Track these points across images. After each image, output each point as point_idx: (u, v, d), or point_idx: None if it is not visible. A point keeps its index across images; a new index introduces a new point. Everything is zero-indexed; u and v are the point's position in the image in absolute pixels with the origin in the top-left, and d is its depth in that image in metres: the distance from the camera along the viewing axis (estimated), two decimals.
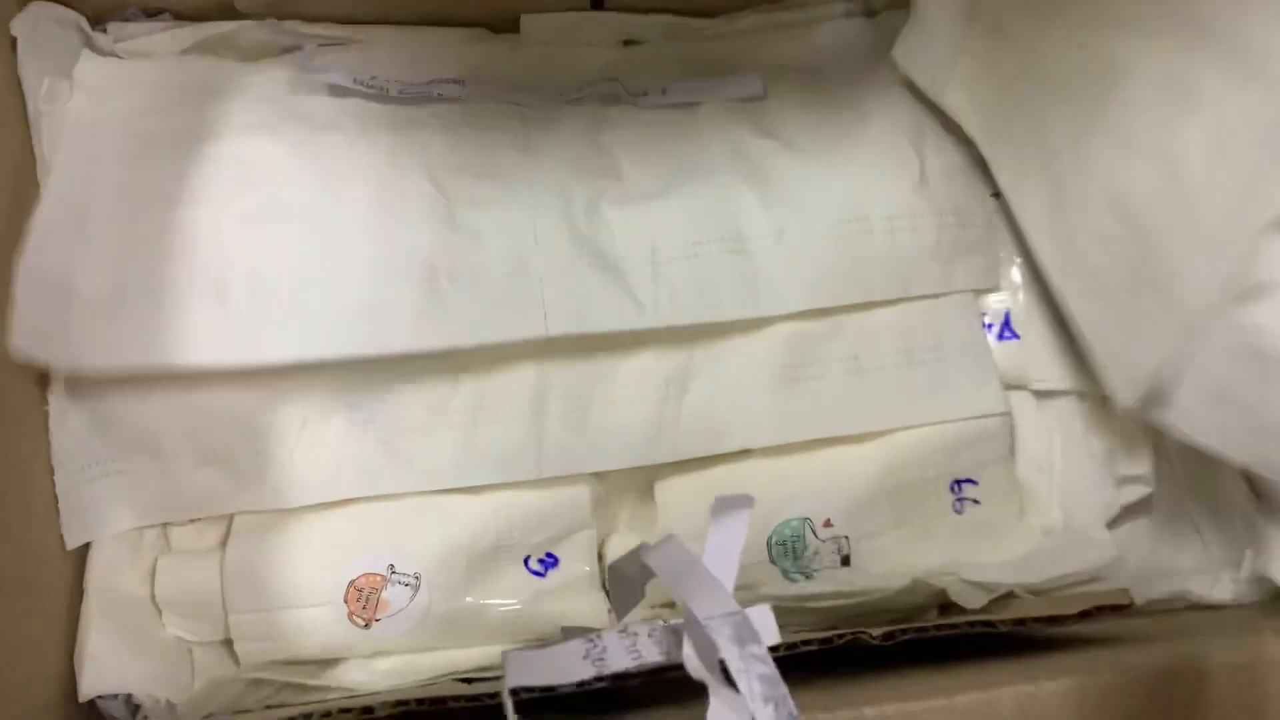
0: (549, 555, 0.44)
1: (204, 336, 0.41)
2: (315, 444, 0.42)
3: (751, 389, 0.44)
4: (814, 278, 0.44)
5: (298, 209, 0.42)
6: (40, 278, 0.40)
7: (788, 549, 0.43)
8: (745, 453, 0.44)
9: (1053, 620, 0.37)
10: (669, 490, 0.45)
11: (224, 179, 0.42)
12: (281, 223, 0.42)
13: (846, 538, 0.43)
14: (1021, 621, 0.36)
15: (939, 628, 0.35)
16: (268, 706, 0.42)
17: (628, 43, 0.49)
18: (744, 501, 0.28)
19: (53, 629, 0.40)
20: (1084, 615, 0.37)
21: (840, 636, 0.34)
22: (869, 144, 0.46)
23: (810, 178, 0.45)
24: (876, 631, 0.35)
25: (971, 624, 0.36)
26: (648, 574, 0.30)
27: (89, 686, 0.39)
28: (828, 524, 0.43)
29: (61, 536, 0.41)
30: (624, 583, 0.33)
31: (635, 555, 0.30)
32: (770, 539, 0.43)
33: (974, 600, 0.41)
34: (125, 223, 0.41)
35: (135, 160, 0.42)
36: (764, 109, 0.47)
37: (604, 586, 0.45)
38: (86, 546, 0.42)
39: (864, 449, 0.44)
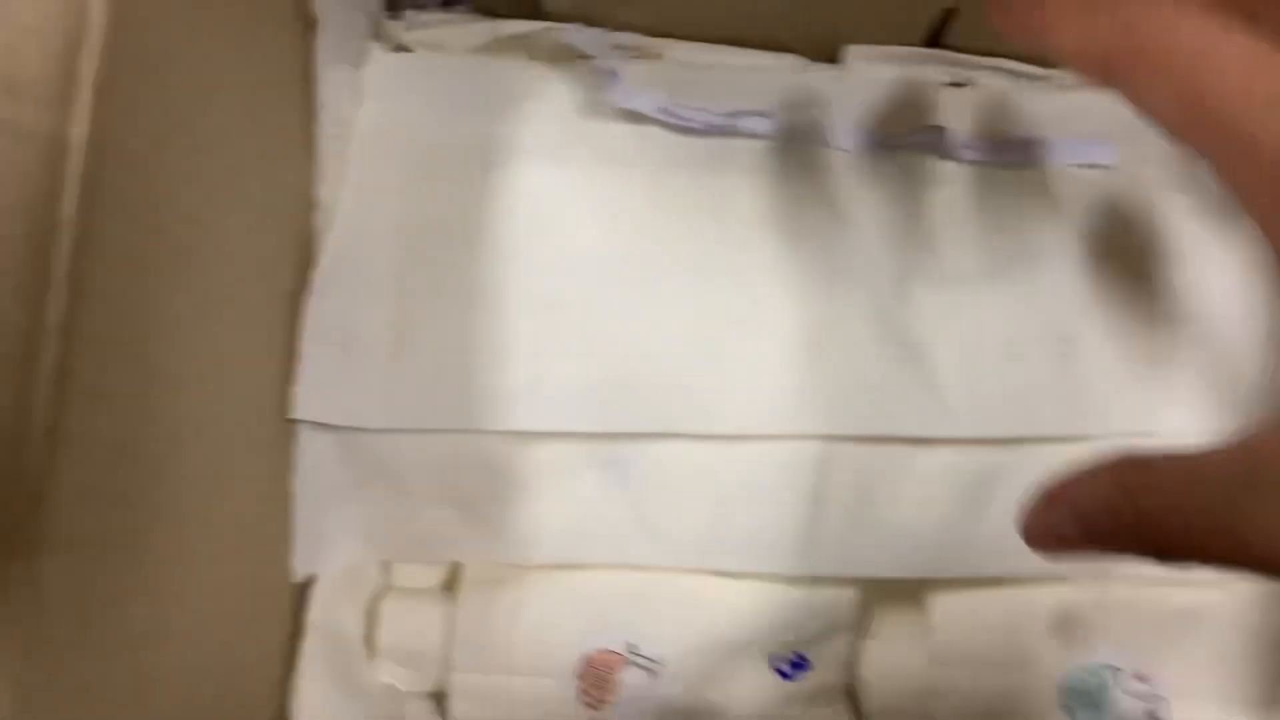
0: (799, 656, 0.39)
1: (487, 404, 0.37)
2: (565, 498, 0.38)
3: None
4: None
5: (593, 259, 0.38)
6: (324, 324, 0.38)
7: (1087, 703, 0.37)
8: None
9: None
10: (946, 605, 0.39)
11: (511, 216, 0.39)
12: (572, 275, 0.38)
13: (1166, 699, 0.37)
14: None
15: None
16: None
17: (954, 84, 0.43)
18: None
19: (267, 664, 0.37)
20: None
21: None
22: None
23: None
24: None
25: None
26: None
27: None
28: (1140, 678, 0.37)
29: (288, 568, 0.37)
30: None
31: None
32: (1066, 684, 0.37)
33: None
34: (406, 262, 0.38)
35: (418, 185, 0.39)
36: (1114, 182, 0.41)
37: (852, 699, 0.40)
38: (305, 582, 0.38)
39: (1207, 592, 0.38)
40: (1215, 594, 0.37)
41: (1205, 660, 0.37)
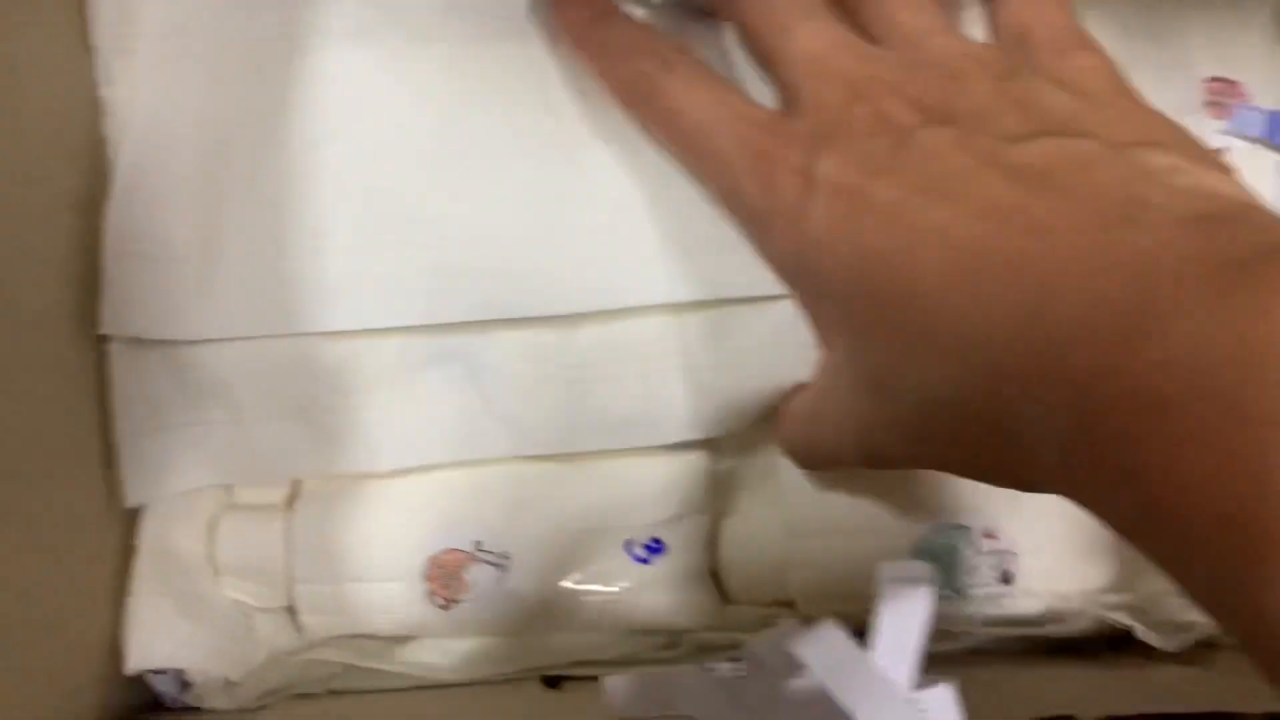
0: (655, 540, 0.38)
1: (309, 303, 0.35)
2: (407, 399, 0.37)
3: None
4: None
5: (411, 143, 0.36)
6: (127, 234, 0.36)
7: (939, 563, 0.36)
8: None
9: None
10: (797, 476, 0.38)
11: (320, 104, 0.36)
12: (389, 160, 0.36)
13: (1011, 554, 0.36)
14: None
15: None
16: (330, 691, 0.37)
17: None
18: (921, 574, 0.22)
19: (99, 595, 0.36)
20: None
21: None
22: None
23: None
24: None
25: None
26: (794, 666, 0.24)
27: (137, 660, 0.35)
28: (990, 535, 0.37)
29: (112, 494, 0.36)
30: (761, 671, 0.27)
31: (779, 640, 0.23)
32: (919, 549, 0.37)
33: (1166, 642, 0.35)
34: (212, 163, 0.36)
35: (218, 80, 0.37)
36: None
37: (714, 577, 0.39)
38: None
39: None
40: None
41: (1047, 513, 0.36)
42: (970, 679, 0.25)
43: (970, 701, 0.23)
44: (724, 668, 0.31)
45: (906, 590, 0.22)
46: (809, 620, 0.35)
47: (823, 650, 0.22)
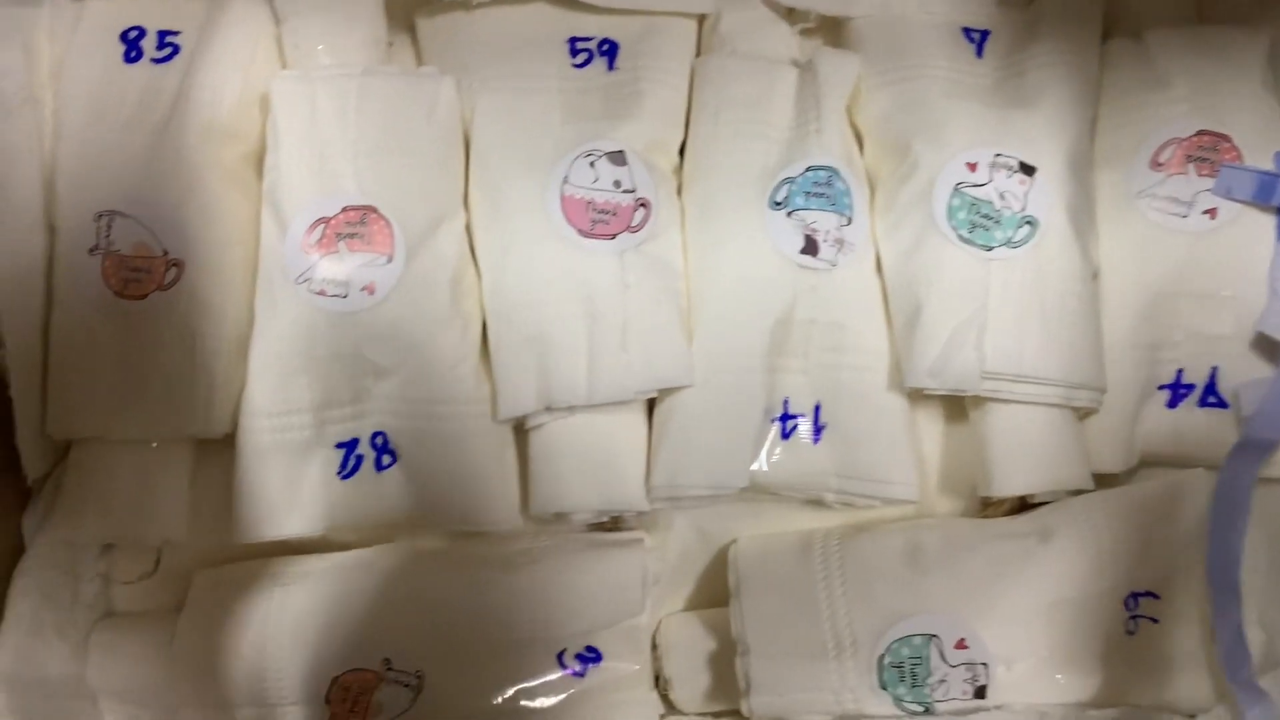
0: (589, 649, 0.34)
1: None
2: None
3: None
4: None
5: None
6: None
7: (904, 673, 0.33)
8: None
9: None
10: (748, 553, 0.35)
11: None
12: None
13: (984, 665, 0.33)
14: None
15: None
16: None
17: None
18: None
19: None
20: None
21: None
22: None
23: None
24: None
25: None
26: None
27: None
28: (961, 645, 0.33)
29: None
30: None
31: None
32: (883, 658, 0.33)
33: None
34: None
35: None
36: None
37: (658, 685, 0.35)
38: None
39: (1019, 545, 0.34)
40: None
41: (1026, 615, 0.33)
42: None
43: None
44: None
45: None
46: None
47: None
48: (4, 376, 0.34)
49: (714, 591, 0.36)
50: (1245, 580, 0.33)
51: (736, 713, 0.35)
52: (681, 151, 0.37)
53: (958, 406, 0.36)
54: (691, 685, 0.36)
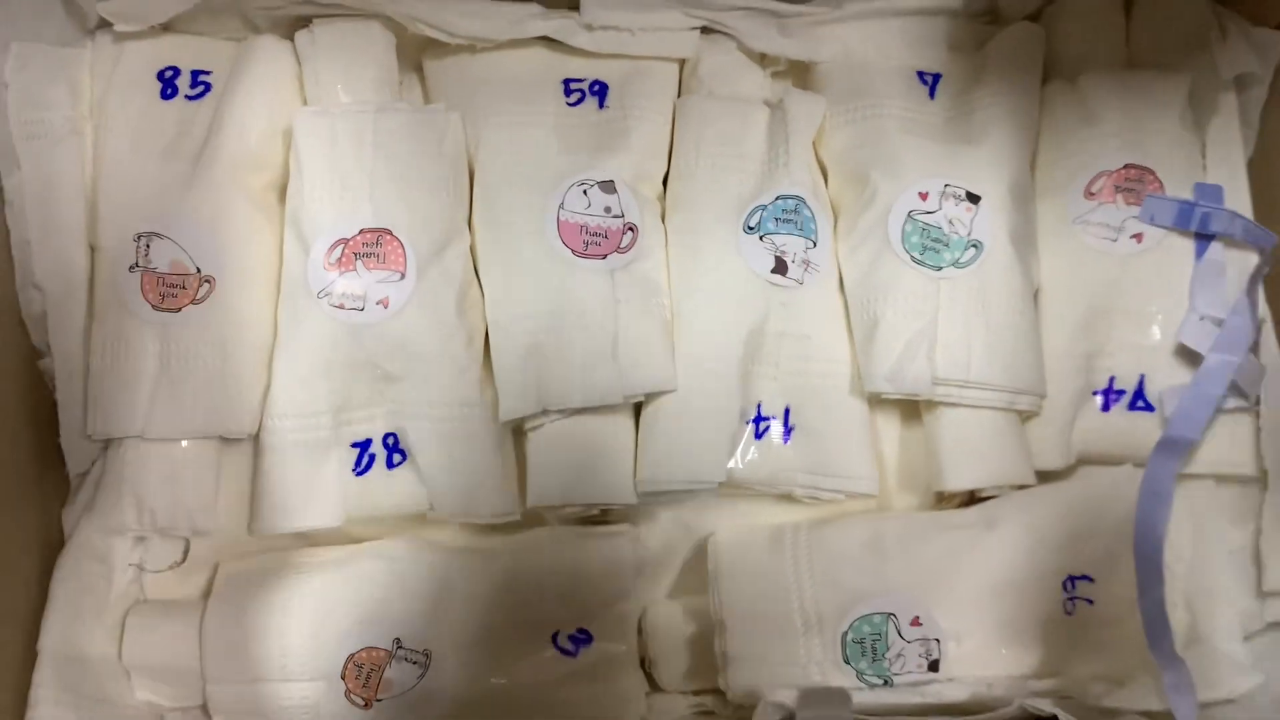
0: (580, 631, 0.38)
1: None
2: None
3: None
4: None
5: None
6: None
7: (865, 648, 0.36)
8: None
9: None
10: (725, 543, 0.38)
11: None
12: None
13: (936, 640, 0.36)
14: None
15: None
16: None
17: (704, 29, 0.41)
18: (840, 700, 0.21)
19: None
20: None
21: None
22: None
23: None
24: None
25: None
26: None
27: None
28: (916, 623, 0.36)
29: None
30: None
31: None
32: (846, 635, 0.36)
33: None
34: None
35: None
36: None
37: (644, 665, 0.39)
38: (41, 602, 0.35)
39: (967, 534, 0.37)
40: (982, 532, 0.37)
41: (977, 596, 0.36)
42: None
43: None
44: None
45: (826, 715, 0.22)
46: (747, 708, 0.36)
47: None
48: (50, 381, 0.38)
49: (695, 580, 0.39)
50: (1171, 567, 0.37)
51: (714, 690, 0.38)
52: (665, 181, 0.41)
53: (913, 410, 0.40)
54: (674, 666, 0.39)
